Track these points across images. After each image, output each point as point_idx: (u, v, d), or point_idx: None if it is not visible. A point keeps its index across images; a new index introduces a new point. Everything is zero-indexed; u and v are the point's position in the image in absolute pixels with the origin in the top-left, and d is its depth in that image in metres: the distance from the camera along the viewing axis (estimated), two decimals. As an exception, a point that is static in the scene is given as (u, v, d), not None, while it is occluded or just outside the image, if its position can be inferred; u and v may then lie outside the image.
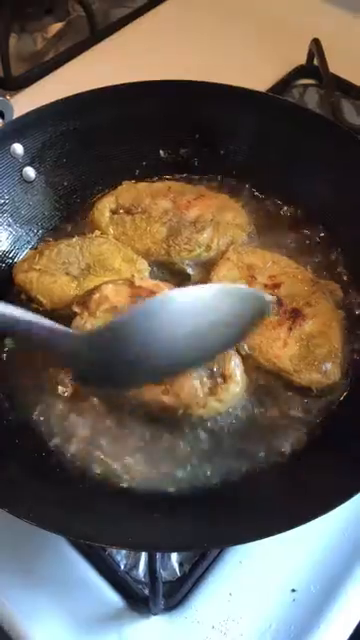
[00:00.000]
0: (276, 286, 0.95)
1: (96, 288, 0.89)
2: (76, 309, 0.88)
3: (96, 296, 0.87)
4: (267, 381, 0.89)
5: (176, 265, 1.00)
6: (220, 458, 0.84)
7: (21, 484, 0.78)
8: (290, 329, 0.91)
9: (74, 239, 1.00)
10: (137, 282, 0.89)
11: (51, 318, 0.89)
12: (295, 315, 0.92)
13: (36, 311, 0.94)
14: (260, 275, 0.96)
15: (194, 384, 0.84)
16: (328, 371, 0.88)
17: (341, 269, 1.00)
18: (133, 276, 0.91)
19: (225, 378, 0.85)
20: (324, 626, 0.79)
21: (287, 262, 0.98)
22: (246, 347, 0.90)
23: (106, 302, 0.87)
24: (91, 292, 0.89)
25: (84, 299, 0.89)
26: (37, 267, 0.97)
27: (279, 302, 0.93)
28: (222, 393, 0.85)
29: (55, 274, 0.96)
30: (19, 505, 0.71)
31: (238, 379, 0.86)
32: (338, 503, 0.69)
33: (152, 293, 0.87)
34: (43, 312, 0.94)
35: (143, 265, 0.98)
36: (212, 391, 0.84)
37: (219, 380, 0.85)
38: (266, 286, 0.95)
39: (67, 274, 0.96)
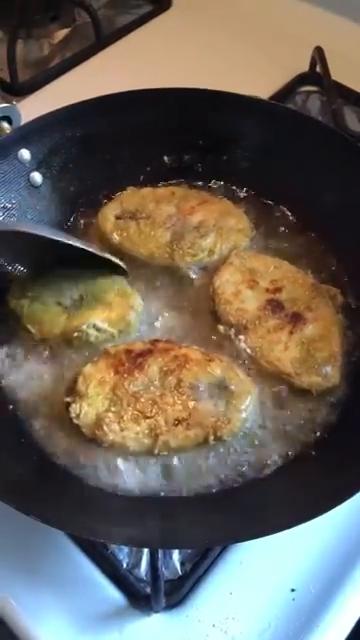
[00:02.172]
0: (278, 290, 0.96)
1: (77, 374, 0.89)
2: (68, 399, 0.87)
3: (80, 379, 0.88)
4: (270, 386, 0.90)
5: (179, 269, 1.02)
6: (223, 460, 0.85)
7: (27, 482, 0.80)
8: (291, 332, 0.92)
9: None
10: (112, 350, 0.90)
11: (40, 347, 0.93)
12: (296, 319, 0.93)
13: (25, 339, 0.95)
14: (262, 279, 0.98)
15: (209, 407, 0.85)
16: (328, 374, 0.89)
17: (341, 274, 1.01)
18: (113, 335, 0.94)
19: (234, 389, 0.86)
20: (323, 625, 0.80)
21: (288, 267, 1.00)
22: (248, 350, 0.91)
23: (92, 379, 0.87)
24: (74, 379, 0.89)
25: (71, 388, 0.89)
26: (29, 294, 0.96)
27: (281, 307, 0.94)
28: (239, 402, 0.86)
29: (46, 303, 0.95)
30: (25, 502, 0.72)
31: (247, 386, 0.88)
32: (338, 502, 0.70)
33: (128, 352, 0.89)
34: (33, 341, 0.94)
35: (136, 301, 0.97)
36: (229, 405, 0.86)
37: (230, 393, 0.86)
38: (267, 290, 0.96)
39: (59, 304, 0.95)
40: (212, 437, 0.84)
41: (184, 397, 0.85)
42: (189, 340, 0.94)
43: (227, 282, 0.97)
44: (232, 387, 0.87)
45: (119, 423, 0.84)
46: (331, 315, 0.95)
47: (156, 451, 0.83)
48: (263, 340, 0.91)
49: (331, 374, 0.90)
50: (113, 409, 0.85)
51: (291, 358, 0.90)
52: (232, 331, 0.93)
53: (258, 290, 0.96)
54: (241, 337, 0.92)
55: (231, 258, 1.00)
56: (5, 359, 0.95)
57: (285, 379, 0.90)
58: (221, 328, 0.94)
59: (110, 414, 0.84)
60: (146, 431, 0.84)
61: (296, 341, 0.92)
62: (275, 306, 0.94)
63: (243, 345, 0.91)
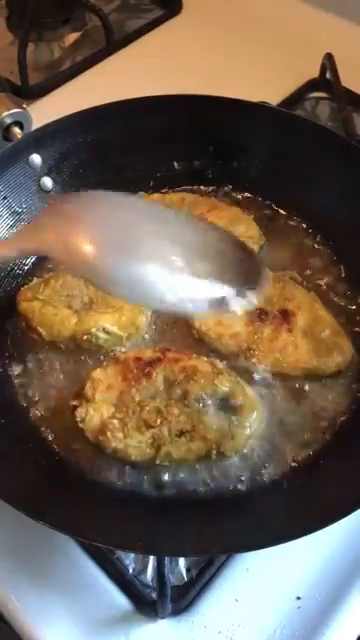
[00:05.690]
0: None
1: (85, 378, 0.89)
2: (74, 402, 0.87)
3: (88, 383, 0.88)
4: (282, 390, 0.91)
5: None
6: (232, 466, 0.85)
7: (36, 488, 0.80)
8: (290, 330, 0.92)
9: None
10: (121, 357, 0.90)
11: (49, 350, 0.93)
12: (285, 315, 0.93)
13: (35, 341, 0.96)
14: None
15: (214, 420, 0.85)
16: (344, 348, 0.91)
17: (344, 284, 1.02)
18: (121, 338, 0.94)
19: (240, 404, 0.86)
20: (328, 633, 0.80)
21: None
22: (268, 370, 0.91)
23: (100, 384, 0.87)
24: (82, 383, 0.89)
25: (78, 392, 0.89)
26: (40, 297, 0.96)
27: (264, 312, 0.93)
28: (244, 418, 0.85)
29: (57, 306, 0.95)
30: (34, 508, 0.73)
31: (253, 402, 0.88)
32: (347, 512, 0.71)
33: (137, 360, 0.89)
34: (41, 342, 0.95)
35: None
36: (234, 420, 0.85)
37: (235, 408, 0.86)
38: None
39: (69, 307, 0.95)
40: (214, 452, 0.84)
41: (189, 409, 0.85)
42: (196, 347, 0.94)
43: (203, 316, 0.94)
44: (238, 402, 0.86)
45: (123, 431, 0.84)
46: (307, 295, 0.96)
47: (158, 461, 0.83)
48: (273, 352, 0.91)
49: (346, 347, 0.91)
50: (118, 416, 0.85)
51: (307, 352, 0.90)
52: (241, 360, 0.91)
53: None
54: (254, 360, 0.91)
55: None
56: (14, 362, 0.95)
57: (315, 374, 0.90)
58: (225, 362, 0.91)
59: (115, 421, 0.85)
60: (149, 441, 0.84)
61: (300, 335, 0.92)
62: (259, 314, 0.93)
63: (260, 367, 0.91)
